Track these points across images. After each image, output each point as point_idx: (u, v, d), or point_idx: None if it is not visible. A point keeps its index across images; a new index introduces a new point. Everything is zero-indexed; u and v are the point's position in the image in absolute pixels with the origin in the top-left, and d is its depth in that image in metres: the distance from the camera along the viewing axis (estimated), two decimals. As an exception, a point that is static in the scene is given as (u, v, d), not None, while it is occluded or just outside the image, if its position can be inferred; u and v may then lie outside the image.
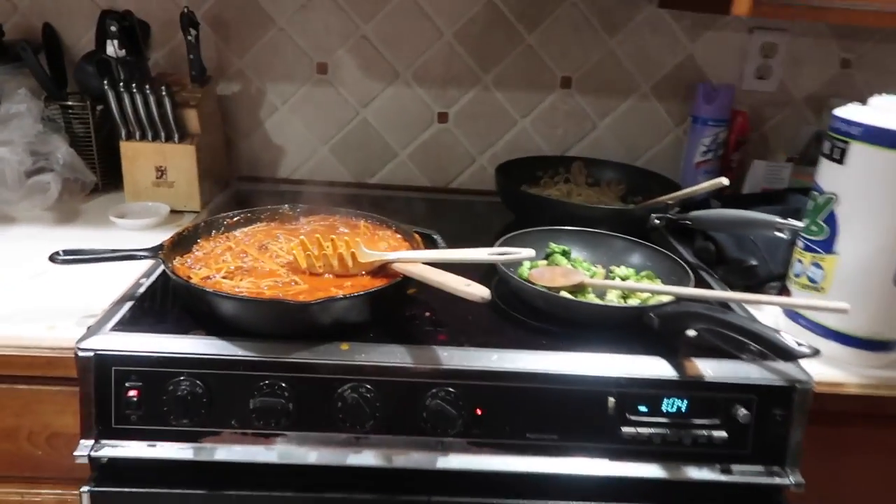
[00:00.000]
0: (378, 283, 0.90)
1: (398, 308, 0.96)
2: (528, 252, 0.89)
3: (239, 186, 1.51)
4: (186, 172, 1.32)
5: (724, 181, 1.13)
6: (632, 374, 0.86)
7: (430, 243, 1.04)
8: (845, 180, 0.89)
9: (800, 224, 0.99)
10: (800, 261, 0.97)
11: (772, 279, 1.14)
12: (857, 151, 0.87)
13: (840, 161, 0.89)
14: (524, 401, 0.86)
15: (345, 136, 1.54)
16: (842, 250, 0.90)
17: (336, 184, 1.56)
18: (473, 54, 1.48)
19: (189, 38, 1.29)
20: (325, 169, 1.57)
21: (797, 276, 0.97)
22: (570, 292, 0.99)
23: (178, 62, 1.43)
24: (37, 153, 1.28)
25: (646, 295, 1.00)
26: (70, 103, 1.39)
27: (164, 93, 1.25)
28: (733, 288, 1.17)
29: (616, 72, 1.51)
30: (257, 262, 0.96)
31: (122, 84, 1.24)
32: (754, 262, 1.14)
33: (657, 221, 1.23)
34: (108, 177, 1.41)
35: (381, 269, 0.93)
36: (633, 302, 1.01)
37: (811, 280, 0.94)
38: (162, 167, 1.32)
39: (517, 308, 1.00)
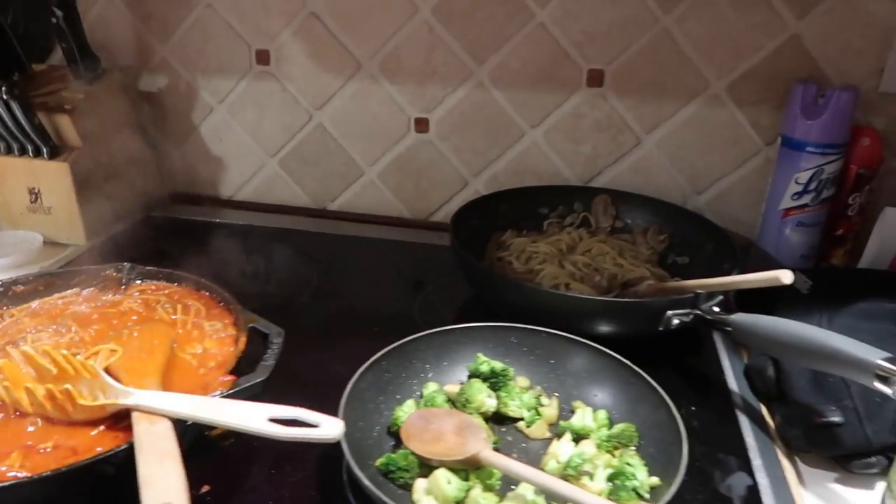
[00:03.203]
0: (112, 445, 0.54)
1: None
2: (332, 430, 0.49)
3: (162, 212, 1.18)
4: (62, 195, 1.02)
5: (786, 278, 0.62)
6: None
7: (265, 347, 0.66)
8: None
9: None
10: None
11: (870, 453, 0.64)
12: None
13: None
14: None
15: (297, 147, 1.17)
16: None
17: (289, 209, 1.20)
18: (462, 37, 1.05)
19: (54, 19, 0.97)
20: (276, 188, 1.21)
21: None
22: (455, 471, 0.57)
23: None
24: None
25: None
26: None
27: (6, 95, 0.94)
28: (792, 447, 0.68)
29: (673, 62, 1.00)
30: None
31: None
32: (837, 419, 0.64)
33: (676, 322, 0.75)
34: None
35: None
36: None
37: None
38: (35, 189, 1.03)
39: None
